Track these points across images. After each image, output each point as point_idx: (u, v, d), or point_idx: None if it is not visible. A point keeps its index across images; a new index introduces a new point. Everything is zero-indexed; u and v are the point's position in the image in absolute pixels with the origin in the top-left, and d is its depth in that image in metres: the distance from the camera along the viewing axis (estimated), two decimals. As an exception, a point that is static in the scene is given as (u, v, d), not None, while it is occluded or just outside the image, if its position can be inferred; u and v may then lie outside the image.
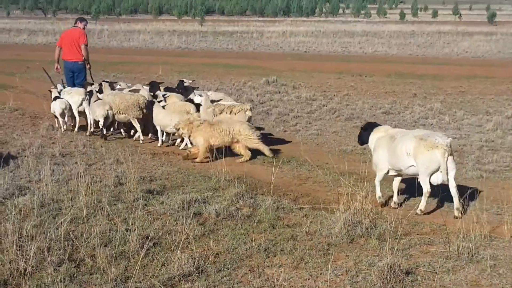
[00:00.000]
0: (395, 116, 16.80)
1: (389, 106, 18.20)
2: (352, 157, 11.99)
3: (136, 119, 13.52)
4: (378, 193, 9.14)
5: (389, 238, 7.10)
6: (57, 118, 14.59)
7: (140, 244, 6.95)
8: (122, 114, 13.51)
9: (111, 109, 13.40)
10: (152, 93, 14.10)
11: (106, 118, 13.49)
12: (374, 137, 9.28)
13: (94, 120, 13.84)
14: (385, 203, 9.22)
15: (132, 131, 14.11)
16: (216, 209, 8.41)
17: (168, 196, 9.20)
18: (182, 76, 24.05)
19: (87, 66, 16.38)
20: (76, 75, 16.15)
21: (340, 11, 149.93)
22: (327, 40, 53.26)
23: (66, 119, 14.49)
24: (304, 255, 6.98)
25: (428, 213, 8.68)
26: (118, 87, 15.18)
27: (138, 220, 7.82)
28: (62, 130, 14.38)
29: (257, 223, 7.98)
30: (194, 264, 6.52)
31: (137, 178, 9.68)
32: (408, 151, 8.43)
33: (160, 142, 13.25)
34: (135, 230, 7.30)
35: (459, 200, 8.43)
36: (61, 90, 14.90)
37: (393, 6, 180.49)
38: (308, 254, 7.00)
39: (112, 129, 14.54)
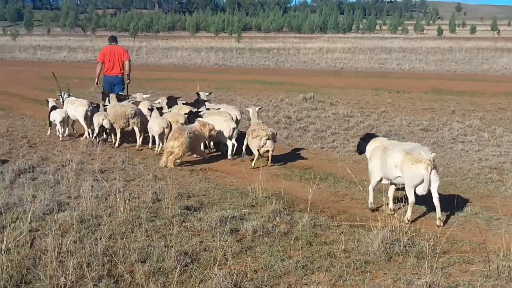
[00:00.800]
0: (433, 133, 16.67)
1: (427, 123, 18.06)
2: (389, 174, 11.91)
3: (137, 128, 14.55)
4: (370, 199, 9.68)
5: (428, 256, 7.05)
6: (50, 125, 15.90)
7: (178, 261, 6.98)
8: (115, 123, 14.54)
9: (106, 118, 14.54)
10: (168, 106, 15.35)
11: (101, 127, 14.75)
12: (371, 147, 9.94)
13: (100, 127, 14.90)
14: (377, 209, 9.55)
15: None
16: (253, 226, 8.41)
17: (205, 212, 9.22)
18: (219, 93, 24.24)
19: (127, 81, 17.24)
20: (116, 87, 17.04)
21: (377, 27, 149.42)
22: (364, 57, 53.10)
23: (62, 126, 15.47)
24: (342, 273, 6.94)
25: (443, 222, 8.61)
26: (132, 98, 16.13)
27: (176, 237, 7.86)
28: (60, 137, 15.42)
29: (295, 240, 7.96)
30: (231, 281, 6.51)
31: (175, 194, 9.75)
32: (396, 163, 8.97)
33: (157, 148, 14.08)
34: (173, 246, 7.33)
35: (441, 211, 8.87)
36: (54, 100, 16.25)
37: (431, 22, 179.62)
38: (345, 272, 6.96)
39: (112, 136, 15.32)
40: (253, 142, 12.62)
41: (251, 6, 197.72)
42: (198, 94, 15.84)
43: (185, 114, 14.05)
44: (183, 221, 8.76)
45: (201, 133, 12.90)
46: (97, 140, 15.00)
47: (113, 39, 18.01)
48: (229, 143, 13.48)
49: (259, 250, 7.70)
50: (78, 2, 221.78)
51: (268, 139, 12.38)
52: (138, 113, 14.57)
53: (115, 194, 9.47)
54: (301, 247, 7.74)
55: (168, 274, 6.84)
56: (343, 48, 64.82)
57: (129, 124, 14.52)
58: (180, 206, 9.33)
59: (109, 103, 15.49)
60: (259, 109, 14.14)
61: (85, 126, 15.39)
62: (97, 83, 17.76)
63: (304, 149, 14.63)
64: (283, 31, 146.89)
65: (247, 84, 30.33)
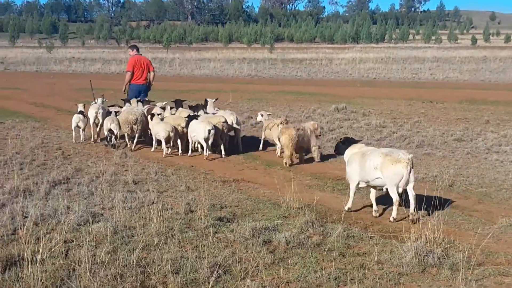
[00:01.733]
0: (467, 143, 16.53)
1: (461, 133, 17.92)
2: (423, 185, 11.81)
3: (137, 133, 15.84)
4: (349, 204, 10.28)
5: (462, 268, 6.99)
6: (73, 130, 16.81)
7: (211, 272, 6.99)
8: (122, 127, 15.77)
9: (113, 122, 15.60)
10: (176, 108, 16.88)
11: (109, 130, 15.74)
12: (349, 152, 10.47)
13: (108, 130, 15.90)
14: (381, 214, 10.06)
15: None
16: (286, 237, 8.40)
17: (238, 223, 9.24)
18: (251, 103, 24.31)
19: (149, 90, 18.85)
20: (142, 94, 18.28)
21: (410, 37, 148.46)
22: (397, 67, 52.89)
23: (81, 132, 16.84)
24: (375, 285, 6.90)
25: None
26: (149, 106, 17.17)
27: (209, 248, 7.88)
28: (74, 141, 16.64)
29: (327, 251, 7.95)
30: (264, 292, 6.52)
31: (207, 205, 9.78)
32: (376, 166, 9.58)
33: (153, 148, 15.55)
34: (205, 257, 7.35)
35: (415, 208, 9.52)
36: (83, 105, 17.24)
37: (465, 31, 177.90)
38: (378, 284, 6.92)
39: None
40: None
41: (283, 17, 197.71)
42: (206, 100, 17.08)
43: (185, 117, 15.15)
44: (216, 232, 8.78)
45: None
46: (106, 144, 16.20)
47: (138, 49, 19.34)
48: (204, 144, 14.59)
49: (292, 261, 7.69)
50: (112, 14, 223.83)
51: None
52: (140, 120, 15.65)
53: (148, 205, 9.56)
54: (334, 259, 7.72)
55: (201, 286, 6.86)
56: (376, 58, 64.59)
57: (132, 129, 15.64)
58: (212, 217, 9.36)
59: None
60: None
61: (92, 129, 16.90)
62: (124, 90, 18.74)
63: (336, 159, 14.60)
64: (316, 41, 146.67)
65: (280, 95, 30.35)
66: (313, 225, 9.01)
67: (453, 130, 18.56)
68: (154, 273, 7.07)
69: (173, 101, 17.35)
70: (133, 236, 8.53)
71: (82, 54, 77.74)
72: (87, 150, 15.60)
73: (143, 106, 16.94)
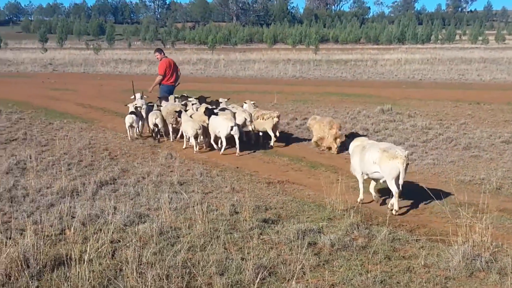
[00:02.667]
0: (515, 146, 16.30)
1: (508, 135, 17.64)
2: (470, 188, 11.69)
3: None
4: (361, 196, 10.84)
5: (511, 273, 6.89)
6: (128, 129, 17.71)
7: (256, 274, 7.01)
8: (167, 120, 17.00)
9: (158, 117, 16.90)
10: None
11: (155, 125, 17.08)
12: (353, 145, 11.22)
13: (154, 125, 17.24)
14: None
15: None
16: (331, 239, 8.38)
17: (283, 225, 9.24)
18: (296, 105, 24.31)
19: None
20: (172, 94, 18.99)
21: (457, 37, 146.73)
22: (443, 68, 52.27)
23: (134, 130, 17.85)
24: (421, 288, 6.86)
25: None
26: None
27: (254, 249, 7.89)
28: (129, 138, 17.54)
29: (373, 254, 7.91)
30: (309, 294, 6.51)
31: (252, 207, 9.81)
32: (374, 160, 10.18)
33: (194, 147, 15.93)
34: (250, 259, 7.37)
35: (398, 200, 10.17)
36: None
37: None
38: (425, 287, 6.87)
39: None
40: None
41: (328, 17, 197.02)
42: (217, 100, 18.22)
43: (204, 112, 16.06)
44: (261, 233, 8.80)
45: None
46: (155, 138, 17.52)
47: (163, 52, 20.59)
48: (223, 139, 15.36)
49: (337, 263, 7.67)
50: (158, 16, 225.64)
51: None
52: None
53: (193, 206, 9.62)
54: (380, 262, 7.68)
55: (245, 287, 6.88)
56: (422, 59, 63.96)
57: (177, 121, 16.73)
58: (257, 219, 9.39)
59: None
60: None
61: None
62: (150, 91, 19.81)
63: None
64: (361, 42, 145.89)
65: (324, 96, 30.24)
66: (358, 228, 8.98)
67: (500, 132, 18.30)
68: (199, 274, 7.12)
69: (196, 98, 18.39)
70: (178, 237, 8.60)
71: (128, 56, 78.46)
72: (133, 151, 15.75)
73: (180, 102, 18.05)
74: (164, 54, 20.23)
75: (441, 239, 8.46)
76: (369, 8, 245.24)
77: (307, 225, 9.09)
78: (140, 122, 17.80)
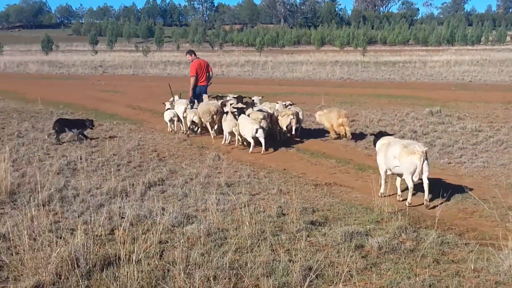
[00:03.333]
0: None
1: (561, 138, 17.34)
2: (520, 192, 11.51)
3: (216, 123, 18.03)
4: (382, 190, 11.46)
5: (563, 278, 6.77)
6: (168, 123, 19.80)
7: (303, 276, 7.00)
8: (202, 118, 18.02)
9: (196, 115, 18.13)
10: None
11: (192, 122, 18.44)
12: (380, 143, 11.79)
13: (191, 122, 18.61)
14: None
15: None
16: (378, 242, 8.32)
17: (330, 227, 9.21)
18: (344, 107, 24.21)
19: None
20: (204, 94, 19.60)
21: (508, 38, 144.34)
22: (493, 69, 51.53)
23: (174, 124, 19.75)
24: (470, 293, 6.77)
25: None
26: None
27: (301, 251, 7.87)
28: (169, 129, 19.65)
29: (421, 257, 7.83)
30: (356, 297, 6.48)
31: (299, 208, 9.78)
32: (395, 155, 10.74)
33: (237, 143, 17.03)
34: (297, 261, 7.36)
35: (428, 194, 10.63)
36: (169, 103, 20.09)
37: None
38: (474, 292, 6.79)
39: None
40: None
41: (376, 19, 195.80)
42: (253, 100, 18.57)
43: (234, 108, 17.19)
44: (308, 235, 8.78)
45: None
46: (187, 133, 18.88)
47: (195, 53, 21.16)
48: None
49: (385, 267, 7.61)
50: (206, 18, 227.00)
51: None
52: (220, 111, 17.79)
53: (241, 208, 9.62)
54: (428, 265, 7.60)
55: (293, 289, 6.88)
56: (472, 60, 63.21)
57: (212, 119, 17.84)
58: (305, 221, 9.37)
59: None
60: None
61: (183, 121, 19.31)
62: (191, 95, 20.07)
63: (430, 164, 14.37)
64: (409, 44, 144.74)
65: (372, 98, 30.08)
66: (406, 231, 8.90)
67: (553, 135, 17.97)
68: (246, 275, 7.13)
69: (234, 97, 18.97)
70: (226, 238, 8.63)
71: (176, 58, 79.13)
72: (181, 153, 15.86)
73: (217, 100, 18.93)
74: (195, 55, 20.86)
75: (491, 243, 8.33)
76: (418, 9, 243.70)
77: (355, 227, 9.04)
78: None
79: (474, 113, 23.37)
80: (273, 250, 8.04)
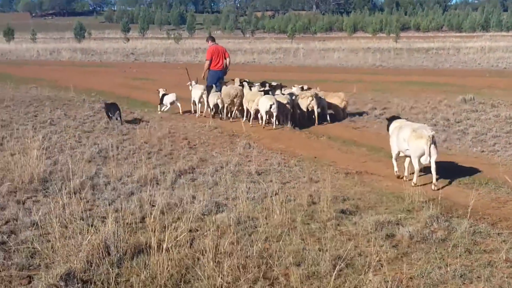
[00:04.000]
0: None
1: None
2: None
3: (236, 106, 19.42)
4: (395, 168, 12.11)
5: None
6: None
7: (333, 265, 6.96)
8: (224, 101, 19.34)
9: (218, 98, 19.61)
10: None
11: (215, 105, 19.93)
12: (392, 126, 12.25)
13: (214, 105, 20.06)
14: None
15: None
16: (409, 231, 8.25)
17: (361, 216, 9.15)
18: (375, 94, 24.06)
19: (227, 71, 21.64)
20: (221, 79, 20.96)
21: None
22: (529, 55, 50.86)
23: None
24: (503, 283, 6.68)
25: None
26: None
27: (331, 241, 7.83)
28: (180, 113, 21.12)
29: (452, 247, 7.74)
30: (386, 287, 6.43)
31: (330, 197, 9.72)
32: (404, 138, 11.29)
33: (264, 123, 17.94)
34: (327, 250, 7.34)
35: (437, 178, 11.07)
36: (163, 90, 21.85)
37: None
38: (506, 283, 6.69)
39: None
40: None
41: (409, 5, 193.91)
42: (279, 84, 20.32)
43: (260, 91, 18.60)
44: (338, 224, 8.74)
45: None
46: (212, 115, 19.84)
47: (214, 39, 22.22)
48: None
49: (415, 256, 7.55)
50: (238, 5, 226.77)
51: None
52: (240, 95, 19.04)
53: (271, 196, 9.59)
54: (460, 255, 7.51)
55: (322, 279, 6.85)
56: (507, 47, 62.40)
57: (232, 102, 19.22)
58: (335, 210, 9.32)
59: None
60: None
61: (198, 105, 20.78)
62: (203, 77, 21.59)
63: (463, 152, 14.22)
64: (443, 30, 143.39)
65: (405, 86, 29.86)
66: (437, 220, 8.81)
67: None
68: (276, 264, 7.12)
69: (260, 84, 19.96)
70: (256, 227, 8.61)
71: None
72: (212, 141, 15.87)
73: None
74: (213, 41, 21.89)
75: (525, 233, 8.23)
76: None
77: (385, 216, 8.97)
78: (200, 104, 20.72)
79: (508, 100, 23.03)
80: (303, 239, 8.01)
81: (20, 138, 14.93)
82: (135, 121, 18.99)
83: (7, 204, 9.70)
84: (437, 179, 11.08)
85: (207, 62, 21.25)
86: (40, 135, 15.31)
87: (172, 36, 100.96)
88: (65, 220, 8.51)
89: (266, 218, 8.82)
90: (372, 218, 8.81)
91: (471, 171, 12.11)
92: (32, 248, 7.73)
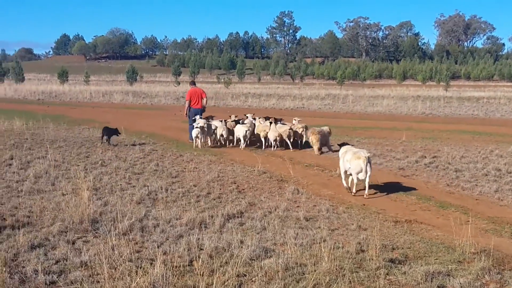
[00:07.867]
0: None
1: None
2: None
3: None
4: (344, 184, 15.33)
5: None
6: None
7: (382, 315, 6.88)
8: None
9: (224, 130, 24.12)
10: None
11: (221, 135, 24.27)
12: (341, 151, 15.55)
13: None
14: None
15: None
16: (460, 283, 8.12)
17: (410, 266, 9.03)
18: (425, 142, 23.85)
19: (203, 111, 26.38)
20: (199, 116, 25.15)
21: None
22: None
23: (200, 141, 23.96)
24: None
25: None
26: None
27: (380, 290, 7.75)
28: (198, 146, 23.64)
29: (505, 301, 7.59)
30: None
31: (379, 246, 9.64)
32: (347, 159, 14.61)
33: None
34: (377, 299, 7.25)
35: (368, 189, 14.61)
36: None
37: None
38: None
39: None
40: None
41: (460, 54, 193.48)
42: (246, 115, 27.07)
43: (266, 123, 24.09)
44: (387, 274, 8.64)
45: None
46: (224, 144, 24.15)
47: (194, 83, 27.72)
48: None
49: (467, 309, 7.41)
50: (288, 51, 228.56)
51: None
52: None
53: (319, 243, 9.55)
54: (512, 309, 7.36)
55: (371, 328, 6.76)
56: (559, 97, 61.53)
57: (228, 133, 24.36)
58: (384, 258, 9.22)
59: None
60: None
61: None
62: (186, 114, 26.34)
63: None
64: (494, 79, 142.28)
65: (455, 134, 29.60)
66: (489, 272, 8.66)
67: None
68: (324, 312, 7.05)
69: (264, 118, 25.35)
70: (304, 274, 8.55)
71: (257, 90, 79.79)
72: (261, 185, 15.88)
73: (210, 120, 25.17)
74: (194, 85, 27.26)
75: None
76: (503, 44, 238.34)
77: (436, 267, 8.85)
78: (203, 135, 23.94)
79: (561, 151, 22.61)
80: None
81: (71, 178, 15.17)
82: (183, 163, 19.12)
83: (57, 244, 9.82)
84: (368, 190, 14.59)
85: (187, 102, 26.18)
86: (91, 175, 15.53)
87: (222, 80, 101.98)
88: (114, 261, 8.58)
89: (314, 265, 8.77)
90: (422, 268, 8.69)
91: (523, 223, 11.90)
92: (82, 288, 7.79)
